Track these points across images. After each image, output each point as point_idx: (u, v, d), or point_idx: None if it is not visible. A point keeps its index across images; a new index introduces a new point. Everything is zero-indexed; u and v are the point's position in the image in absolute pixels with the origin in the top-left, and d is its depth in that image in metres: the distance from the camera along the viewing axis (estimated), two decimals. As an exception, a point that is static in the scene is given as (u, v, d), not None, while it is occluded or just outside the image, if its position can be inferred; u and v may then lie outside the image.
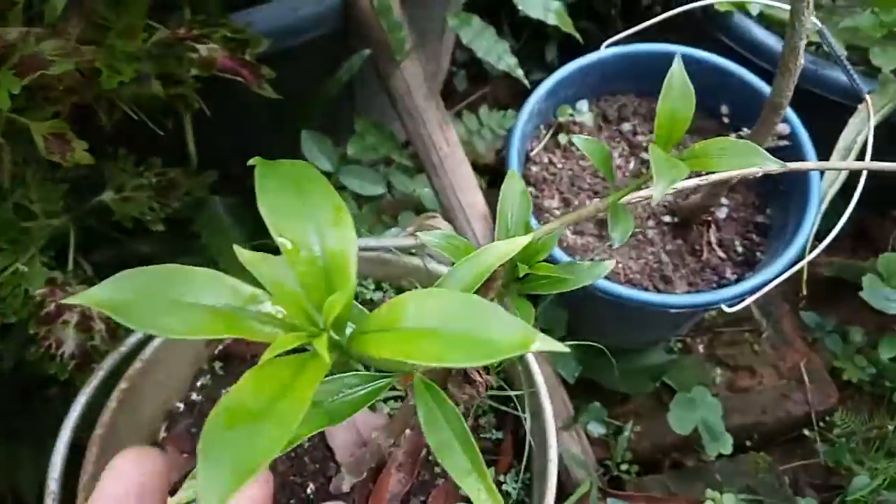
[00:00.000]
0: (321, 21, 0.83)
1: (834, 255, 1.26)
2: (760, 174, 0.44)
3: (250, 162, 0.29)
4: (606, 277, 0.85)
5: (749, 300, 0.80)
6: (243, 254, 0.27)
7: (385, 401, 0.73)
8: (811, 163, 0.46)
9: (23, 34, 0.42)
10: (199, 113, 0.79)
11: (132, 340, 0.68)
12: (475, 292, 0.40)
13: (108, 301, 0.26)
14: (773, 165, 0.37)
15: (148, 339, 0.69)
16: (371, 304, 0.76)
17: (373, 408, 0.73)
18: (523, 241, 0.39)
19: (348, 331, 0.30)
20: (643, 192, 0.43)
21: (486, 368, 0.67)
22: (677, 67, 0.38)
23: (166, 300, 0.27)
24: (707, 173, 0.46)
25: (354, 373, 0.39)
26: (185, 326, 0.26)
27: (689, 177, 0.43)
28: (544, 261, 0.45)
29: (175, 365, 0.72)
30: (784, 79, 0.63)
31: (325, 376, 0.39)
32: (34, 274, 0.62)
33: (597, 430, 1.01)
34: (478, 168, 1.20)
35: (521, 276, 0.43)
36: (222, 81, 0.73)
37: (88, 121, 0.52)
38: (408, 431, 0.65)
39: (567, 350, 0.22)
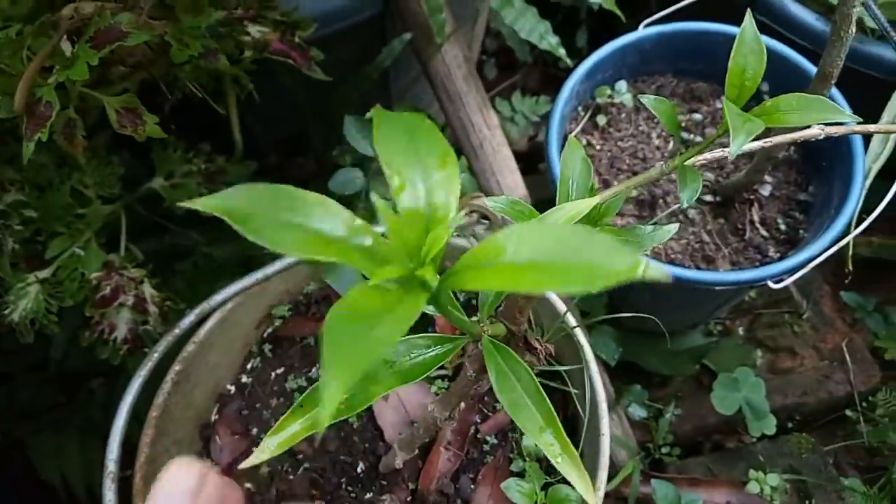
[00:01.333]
0: (359, 7, 0.84)
1: (873, 235, 1.25)
2: (822, 136, 0.43)
3: (368, 114, 0.30)
4: (650, 257, 0.85)
5: (795, 276, 0.79)
6: (376, 199, 0.27)
7: (431, 381, 0.73)
8: (872, 126, 0.46)
9: (98, 7, 0.43)
10: (241, 103, 0.80)
11: (185, 323, 0.69)
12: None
13: (225, 207, 0.26)
14: (846, 117, 0.37)
15: (201, 321, 0.70)
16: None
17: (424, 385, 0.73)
18: (592, 201, 0.39)
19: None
20: (712, 154, 0.42)
21: (543, 335, 0.67)
22: (749, 23, 0.38)
23: (278, 217, 0.27)
24: (768, 136, 0.46)
25: (425, 334, 0.39)
26: (295, 245, 0.26)
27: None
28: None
29: (227, 347, 0.73)
30: (835, 48, 0.63)
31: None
32: (90, 258, 0.64)
33: (638, 412, 1.00)
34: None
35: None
36: (265, 70, 0.74)
37: (146, 104, 0.52)
38: (461, 406, 0.65)
39: (670, 280, 0.22)
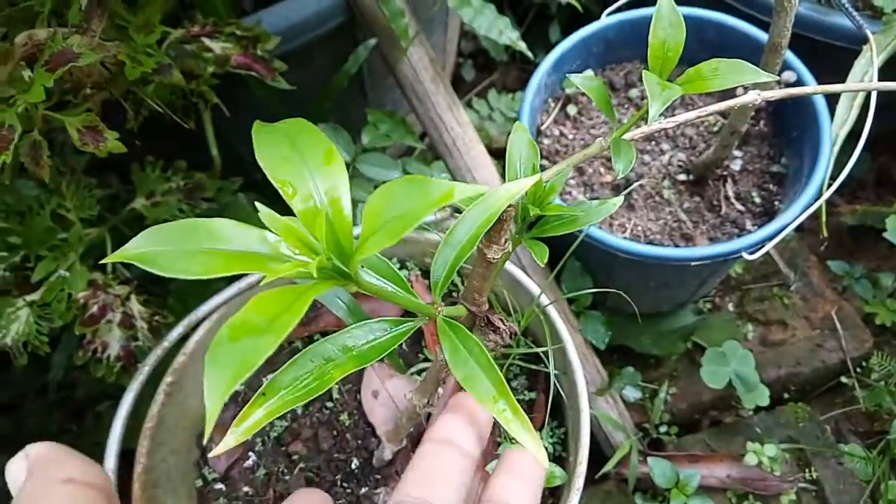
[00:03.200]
0: (325, 18, 0.86)
1: (858, 202, 1.26)
2: (760, 101, 0.45)
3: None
4: (627, 238, 0.87)
5: (768, 246, 0.81)
6: (261, 208, 0.30)
7: (420, 373, 0.75)
8: (810, 87, 0.47)
9: (51, 33, 0.45)
10: (219, 121, 0.82)
11: (173, 336, 0.71)
12: (486, 234, 0.42)
13: (137, 254, 0.30)
14: (766, 77, 0.39)
15: (189, 332, 0.72)
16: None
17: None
18: (530, 180, 0.41)
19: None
20: (649, 128, 0.44)
21: (509, 315, 0.69)
22: (664, 0, 0.40)
23: (188, 249, 0.30)
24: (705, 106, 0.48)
25: (381, 318, 0.41)
26: (202, 268, 0.29)
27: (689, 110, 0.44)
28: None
29: (216, 356, 0.75)
30: (780, 18, 0.64)
31: (355, 324, 0.42)
32: (76, 278, 0.66)
33: (632, 394, 1.01)
34: (492, 152, 1.21)
35: (533, 218, 0.45)
36: (238, 88, 0.76)
37: (117, 129, 0.55)
38: (440, 391, 0.66)
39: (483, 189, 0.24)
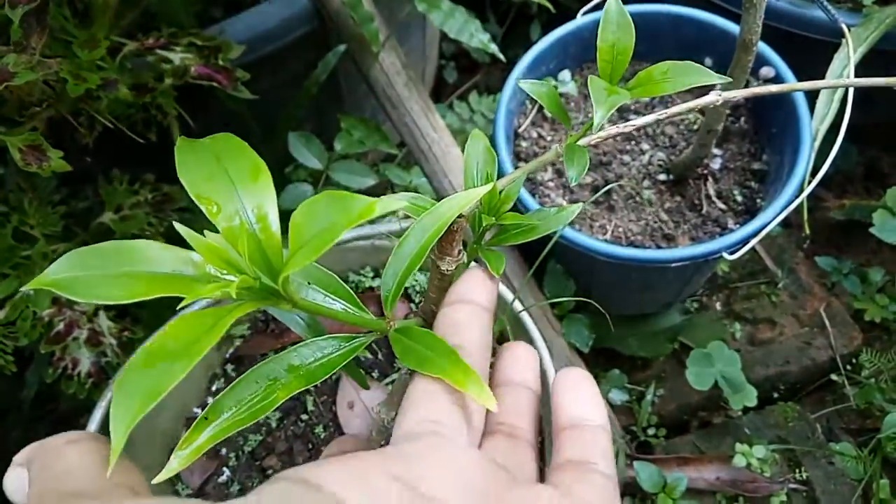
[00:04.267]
0: (295, 24, 0.85)
1: (846, 196, 1.25)
2: (721, 102, 0.44)
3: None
4: (607, 241, 0.85)
5: (750, 245, 0.79)
6: (180, 228, 0.29)
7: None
8: (774, 86, 0.46)
9: (-16, 53, 0.45)
10: (190, 129, 0.81)
11: (143, 351, 0.70)
12: (437, 244, 0.41)
13: (54, 281, 0.28)
14: (715, 78, 0.37)
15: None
16: (372, 291, 0.77)
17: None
18: (481, 190, 0.40)
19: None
20: (606, 132, 0.43)
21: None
22: (612, 2, 0.39)
23: (110, 273, 0.29)
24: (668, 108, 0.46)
25: (331, 335, 0.40)
26: (123, 293, 0.28)
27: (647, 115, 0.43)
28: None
29: (189, 371, 0.74)
30: (750, 15, 0.63)
31: (303, 341, 0.40)
32: (40, 296, 0.65)
33: (619, 397, 1.00)
34: (475, 154, 1.20)
35: (489, 227, 0.44)
36: (209, 96, 0.75)
37: (73, 144, 0.54)
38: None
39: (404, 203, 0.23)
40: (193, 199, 0.31)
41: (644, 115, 0.94)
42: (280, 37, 0.85)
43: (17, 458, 0.34)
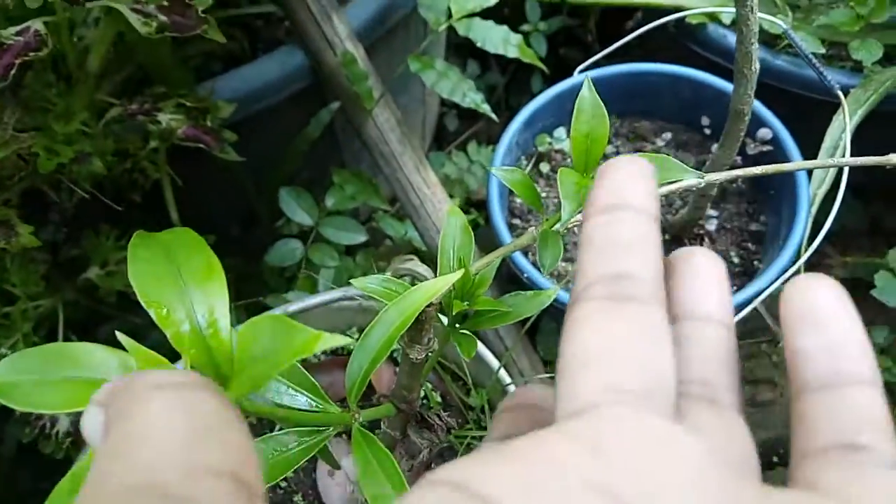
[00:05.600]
0: (291, 80, 0.85)
1: (850, 253, 1.23)
2: (703, 184, 0.43)
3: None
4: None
5: (747, 310, 0.78)
6: (121, 337, 0.28)
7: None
8: (759, 168, 0.45)
9: (-47, 130, 0.44)
10: (184, 180, 0.80)
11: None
12: (406, 333, 0.40)
13: None
14: (694, 178, 0.36)
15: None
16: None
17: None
18: (451, 278, 0.39)
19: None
20: (579, 217, 0.42)
21: (445, 410, 0.66)
22: (585, 90, 0.38)
23: (51, 378, 0.28)
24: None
25: (291, 429, 0.38)
26: (62, 401, 0.27)
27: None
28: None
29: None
30: (741, 86, 0.62)
31: (261, 435, 0.39)
32: (19, 355, 0.64)
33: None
34: (472, 204, 1.20)
35: (462, 313, 0.43)
36: (200, 149, 0.75)
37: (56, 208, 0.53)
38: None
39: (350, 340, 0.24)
40: (142, 302, 0.30)
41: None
42: (276, 92, 0.85)
43: (96, 395, 0.24)
